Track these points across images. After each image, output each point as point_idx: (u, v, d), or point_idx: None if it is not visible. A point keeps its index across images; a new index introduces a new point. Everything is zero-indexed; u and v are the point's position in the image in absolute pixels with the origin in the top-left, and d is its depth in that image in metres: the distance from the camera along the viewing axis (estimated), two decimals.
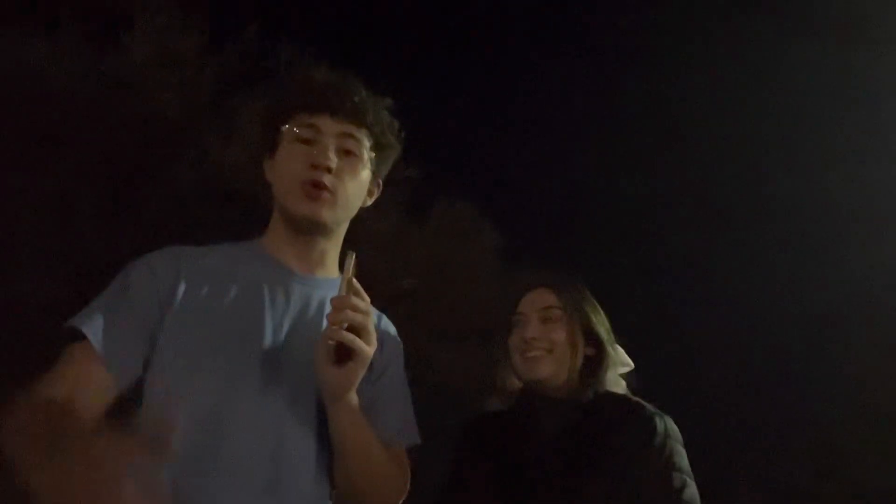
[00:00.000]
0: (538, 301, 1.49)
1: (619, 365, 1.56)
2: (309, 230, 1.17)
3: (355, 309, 1.02)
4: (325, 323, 1.14)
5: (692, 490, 1.34)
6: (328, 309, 1.14)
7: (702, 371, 13.83)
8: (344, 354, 1.02)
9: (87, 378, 1.00)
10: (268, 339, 1.10)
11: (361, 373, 1.04)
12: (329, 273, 1.22)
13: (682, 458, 1.37)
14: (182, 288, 1.09)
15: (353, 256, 1.05)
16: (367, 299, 1.04)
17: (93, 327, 1.03)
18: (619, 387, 1.55)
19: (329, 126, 1.15)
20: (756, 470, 12.65)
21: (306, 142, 1.15)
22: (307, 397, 1.10)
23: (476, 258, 11.32)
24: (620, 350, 1.57)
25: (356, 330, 1.02)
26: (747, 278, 16.51)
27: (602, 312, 1.53)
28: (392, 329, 1.26)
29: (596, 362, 1.47)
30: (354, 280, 1.04)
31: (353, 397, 1.07)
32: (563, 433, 1.40)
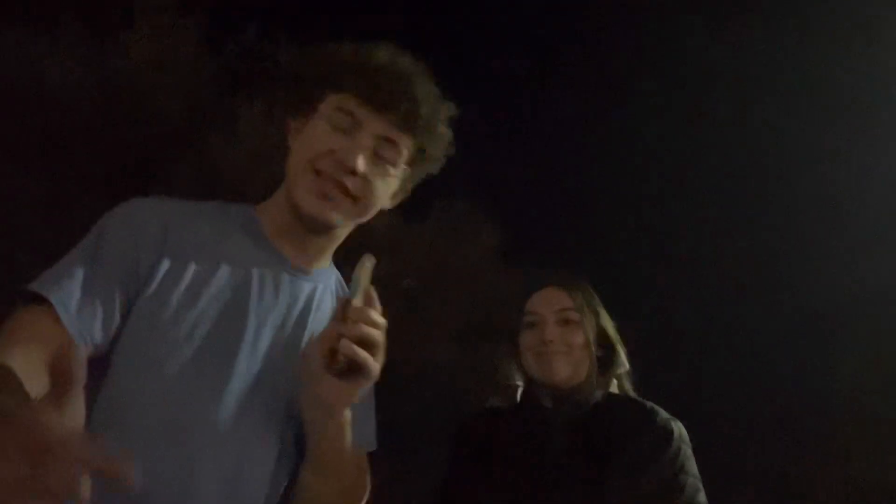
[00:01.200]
0: (553, 302, 1.48)
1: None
2: (313, 228, 1.06)
3: (372, 324, 0.90)
4: (312, 320, 1.06)
5: (703, 495, 1.35)
6: (318, 304, 1.07)
7: (700, 370, 13.83)
8: (347, 367, 0.92)
9: (48, 346, 0.84)
10: (245, 341, 0.99)
11: (365, 389, 0.95)
12: (323, 264, 1.13)
13: (693, 462, 1.38)
14: (164, 267, 0.96)
15: (372, 262, 0.94)
16: (380, 309, 0.93)
17: (61, 294, 0.89)
18: (612, 387, 1.55)
19: (372, 124, 1.01)
20: (754, 468, 12.65)
21: (341, 131, 1.01)
22: (278, 406, 1.01)
23: (476, 258, 11.32)
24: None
25: (368, 346, 0.90)
26: (745, 277, 16.51)
27: (607, 313, 1.54)
28: None
29: (606, 364, 1.48)
30: (372, 288, 0.93)
31: (347, 413, 0.98)
32: (575, 434, 1.40)
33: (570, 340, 1.44)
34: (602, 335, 1.48)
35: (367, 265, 0.93)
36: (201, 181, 8.37)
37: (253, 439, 0.98)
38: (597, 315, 1.49)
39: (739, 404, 13.41)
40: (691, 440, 1.41)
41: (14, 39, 7.55)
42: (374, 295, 0.93)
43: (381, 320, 0.92)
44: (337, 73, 1.04)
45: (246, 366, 0.99)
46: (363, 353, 0.90)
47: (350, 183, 1.00)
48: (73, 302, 0.89)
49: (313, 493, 1.02)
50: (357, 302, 0.91)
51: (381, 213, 1.12)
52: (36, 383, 0.78)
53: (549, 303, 1.48)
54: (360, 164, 0.99)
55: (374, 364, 0.92)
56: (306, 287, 1.08)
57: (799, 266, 15.97)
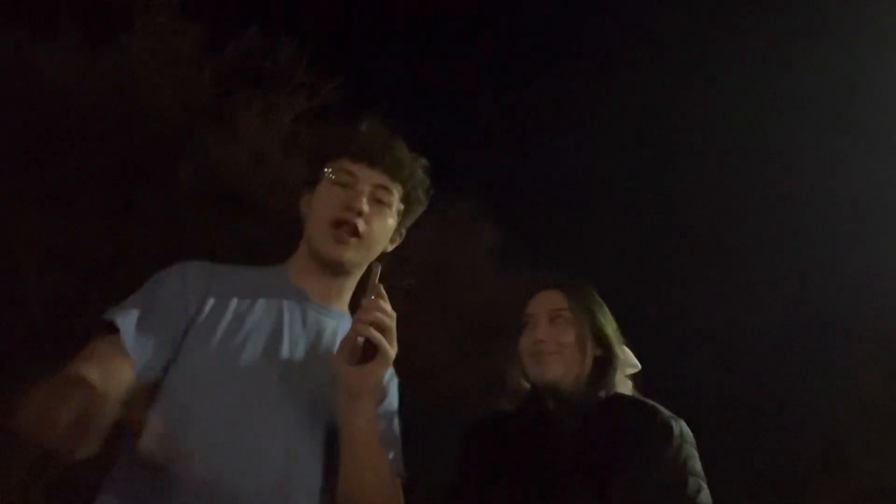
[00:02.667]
0: (547, 302, 1.49)
1: (627, 366, 1.56)
2: (332, 268, 1.26)
3: (384, 311, 1.09)
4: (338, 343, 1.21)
5: (706, 494, 1.34)
6: (340, 336, 1.21)
7: (702, 370, 13.84)
8: (366, 355, 1.09)
9: (112, 367, 1.04)
10: (283, 363, 1.16)
11: (383, 373, 1.10)
12: (343, 307, 1.31)
13: (696, 461, 1.38)
14: (210, 303, 1.16)
15: (379, 267, 1.14)
16: (388, 303, 1.12)
17: (125, 322, 1.08)
18: (626, 388, 1.55)
19: (367, 175, 1.25)
20: (756, 469, 12.66)
21: (343, 185, 1.24)
22: (316, 422, 1.15)
23: (476, 258, 11.33)
24: (628, 351, 1.57)
25: (382, 331, 1.08)
26: (748, 277, 16.52)
27: (609, 313, 1.54)
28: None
29: (605, 363, 1.48)
30: (381, 286, 1.12)
31: (372, 401, 1.12)
32: (577, 435, 1.39)
33: (561, 339, 1.45)
34: (600, 334, 1.48)
35: (375, 269, 1.14)
36: (201, 181, 8.37)
37: (296, 448, 1.13)
38: (592, 314, 1.49)
39: (739, 404, 13.42)
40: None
41: (14, 39, 7.55)
42: (384, 291, 1.12)
43: (392, 310, 1.10)
44: (333, 145, 1.28)
45: (283, 385, 1.15)
46: (378, 334, 1.07)
47: (357, 223, 1.22)
48: (133, 329, 1.08)
49: (349, 498, 1.13)
50: (370, 296, 1.11)
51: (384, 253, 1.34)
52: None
53: (542, 303, 1.50)
54: (364, 205, 1.22)
55: (388, 346, 1.08)
56: (330, 323, 1.27)
57: (801, 266, 15.98)
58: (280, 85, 9.30)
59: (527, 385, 1.53)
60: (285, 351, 1.18)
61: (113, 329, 1.08)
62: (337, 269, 1.27)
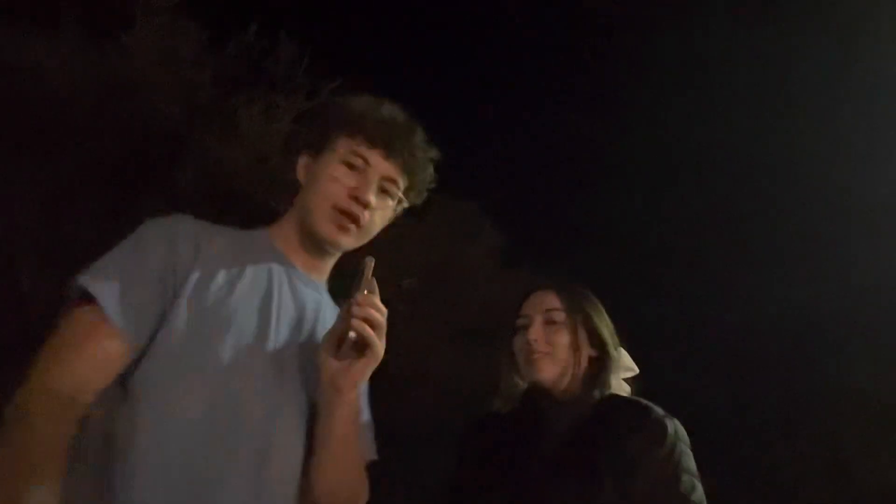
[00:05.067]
0: (541, 303, 1.51)
1: (624, 369, 1.56)
2: (322, 248, 1.26)
3: (377, 308, 1.09)
4: (319, 320, 1.22)
5: (700, 492, 1.35)
6: (322, 310, 1.24)
7: (701, 372, 13.83)
8: (352, 347, 1.10)
9: (101, 346, 0.99)
10: (272, 335, 1.14)
11: (371, 371, 1.10)
12: (322, 278, 1.31)
13: (690, 460, 1.38)
14: (198, 272, 1.10)
15: (373, 261, 1.11)
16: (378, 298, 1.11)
17: (106, 292, 1.01)
18: (624, 391, 1.55)
19: (380, 165, 1.23)
20: (755, 470, 12.65)
21: (352, 168, 1.22)
22: (298, 396, 1.15)
23: (476, 258, 11.32)
24: (625, 354, 1.58)
25: (374, 328, 1.08)
26: (748, 280, 16.51)
27: (605, 315, 1.54)
28: None
29: (599, 364, 1.48)
30: (374, 281, 1.12)
31: (355, 397, 1.12)
32: (571, 435, 1.40)
33: (554, 340, 1.46)
34: (594, 336, 1.49)
35: (369, 263, 1.11)
36: (201, 181, 8.36)
37: (280, 421, 1.11)
38: (588, 315, 1.50)
39: (738, 404, 13.42)
40: (693, 443, 1.41)
41: (14, 39, 7.55)
42: (376, 287, 1.11)
43: (383, 307, 1.10)
44: (351, 121, 1.24)
45: (272, 356, 1.13)
46: (370, 331, 1.07)
47: (361, 215, 1.21)
48: (120, 301, 1.02)
49: (319, 485, 1.13)
50: (362, 291, 1.09)
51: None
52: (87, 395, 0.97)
53: (537, 304, 1.51)
54: (372, 199, 1.21)
55: (379, 343, 1.08)
56: (313, 295, 1.26)
57: (799, 264, 15.97)
58: (280, 85, 9.30)
59: (522, 386, 1.54)
60: (275, 321, 1.15)
61: (90, 297, 1.02)
62: (327, 251, 1.27)
